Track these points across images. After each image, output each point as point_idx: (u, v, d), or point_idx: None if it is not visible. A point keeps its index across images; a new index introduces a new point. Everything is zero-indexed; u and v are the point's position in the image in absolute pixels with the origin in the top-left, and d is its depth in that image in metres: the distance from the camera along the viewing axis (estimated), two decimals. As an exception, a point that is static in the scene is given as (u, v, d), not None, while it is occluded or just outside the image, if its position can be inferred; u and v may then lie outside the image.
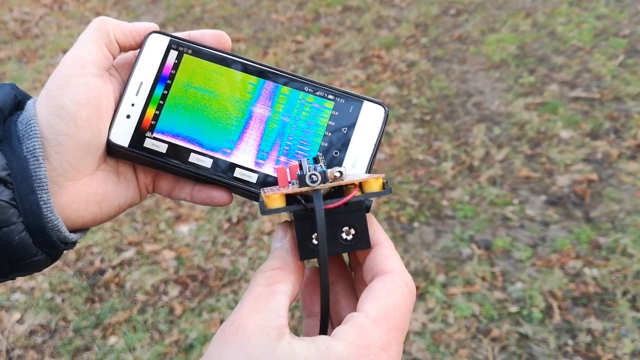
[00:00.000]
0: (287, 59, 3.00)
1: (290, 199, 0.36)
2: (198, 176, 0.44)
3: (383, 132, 0.45)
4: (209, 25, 3.48)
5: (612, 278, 1.61)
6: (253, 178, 0.44)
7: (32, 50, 3.45)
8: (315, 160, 0.39)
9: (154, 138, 0.44)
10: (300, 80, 0.46)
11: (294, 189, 0.35)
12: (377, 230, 0.38)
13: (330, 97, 0.45)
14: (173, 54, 0.45)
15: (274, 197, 0.35)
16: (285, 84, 0.46)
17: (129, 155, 0.44)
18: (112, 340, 1.63)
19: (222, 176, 0.44)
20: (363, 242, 0.36)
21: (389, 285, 0.34)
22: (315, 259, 0.38)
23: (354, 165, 0.44)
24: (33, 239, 0.39)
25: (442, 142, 2.24)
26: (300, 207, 0.35)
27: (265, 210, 0.35)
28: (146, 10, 3.80)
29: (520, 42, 2.83)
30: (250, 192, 0.44)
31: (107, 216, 0.44)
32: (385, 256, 0.36)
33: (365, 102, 0.45)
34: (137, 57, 0.45)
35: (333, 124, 0.45)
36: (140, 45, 0.45)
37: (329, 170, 0.36)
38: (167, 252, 1.90)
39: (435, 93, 2.56)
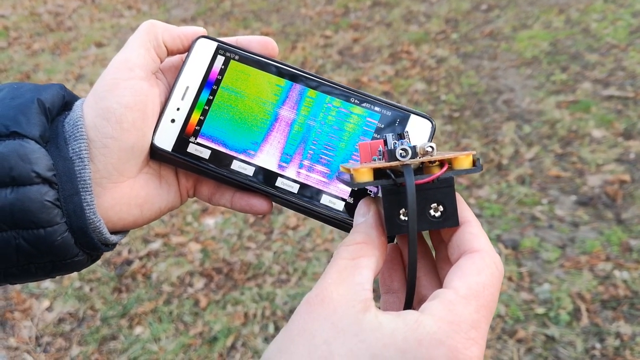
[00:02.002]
0: (315, 53, 3.00)
1: (378, 173, 0.35)
2: (239, 183, 0.44)
3: None
4: (238, 20, 3.49)
5: (643, 281, 1.58)
6: (294, 188, 0.44)
7: (64, 42, 3.51)
8: (400, 136, 0.38)
9: (198, 143, 0.44)
10: (353, 93, 0.45)
11: (382, 163, 0.35)
12: (464, 208, 0.37)
13: (377, 109, 0.45)
14: (220, 59, 0.45)
15: (363, 171, 0.34)
16: (331, 94, 0.45)
17: (172, 160, 0.44)
18: (138, 330, 1.65)
19: (263, 185, 0.44)
20: (452, 219, 0.35)
21: (478, 264, 0.33)
22: (395, 235, 0.38)
23: None
24: (75, 239, 0.39)
25: (470, 139, 2.22)
26: (389, 181, 0.34)
27: (353, 184, 0.34)
28: (177, 4, 3.83)
29: (552, 38, 2.78)
30: (291, 202, 0.44)
31: (148, 219, 0.44)
32: (474, 234, 0.35)
33: (412, 115, 0.45)
34: (184, 61, 0.45)
35: (378, 137, 0.44)
36: (187, 50, 0.45)
37: (419, 145, 0.35)
38: (193, 244, 1.92)
39: (464, 90, 2.53)
